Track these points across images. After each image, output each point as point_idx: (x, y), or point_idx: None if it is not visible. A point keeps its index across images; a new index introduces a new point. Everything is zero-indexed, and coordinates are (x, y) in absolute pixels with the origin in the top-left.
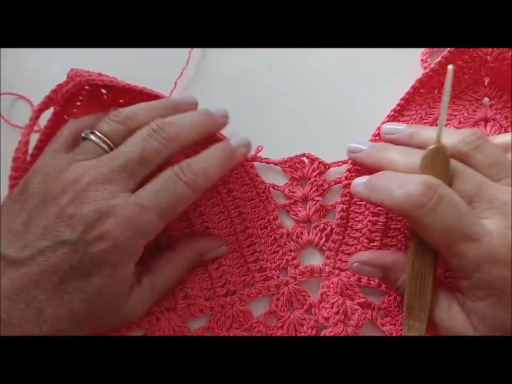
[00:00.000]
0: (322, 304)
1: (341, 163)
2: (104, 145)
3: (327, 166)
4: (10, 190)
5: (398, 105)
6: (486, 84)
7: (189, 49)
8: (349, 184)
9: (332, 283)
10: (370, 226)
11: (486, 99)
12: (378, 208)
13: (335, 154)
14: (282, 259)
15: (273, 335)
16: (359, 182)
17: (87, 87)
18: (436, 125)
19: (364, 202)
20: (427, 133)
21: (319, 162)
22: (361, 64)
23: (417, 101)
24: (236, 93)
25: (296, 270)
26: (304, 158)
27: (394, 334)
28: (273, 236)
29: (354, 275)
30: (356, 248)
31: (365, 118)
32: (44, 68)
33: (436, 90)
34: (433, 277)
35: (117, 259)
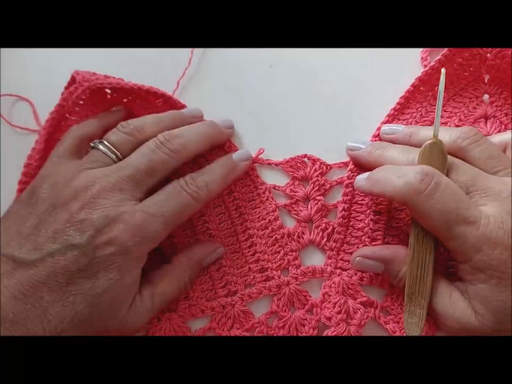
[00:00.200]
0: (324, 304)
1: (342, 164)
2: (112, 155)
3: (328, 167)
4: (18, 194)
5: (398, 103)
6: (486, 81)
7: (189, 49)
8: (351, 183)
9: (333, 283)
10: (372, 225)
11: (486, 96)
12: (380, 206)
13: (336, 155)
14: (284, 259)
15: (274, 335)
16: (361, 178)
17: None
18: None
19: (366, 201)
20: (425, 132)
21: (321, 163)
22: (362, 64)
23: (418, 99)
24: (236, 93)
25: (298, 270)
26: (306, 159)
27: (397, 332)
28: (274, 236)
29: (356, 274)
30: (357, 247)
31: (366, 117)
32: (45, 68)
33: (436, 88)
34: (433, 264)
35: (123, 263)
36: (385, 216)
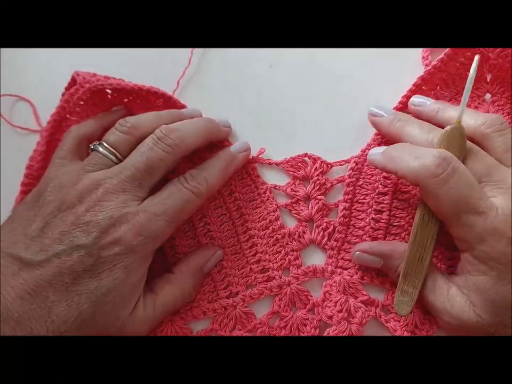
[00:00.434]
0: (325, 303)
1: (344, 162)
2: (111, 156)
3: (329, 166)
4: (21, 196)
5: (400, 102)
6: (488, 80)
7: (189, 49)
8: (352, 182)
9: (334, 282)
10: (372, 224)
11: (488, 95)
12: (381, 205)
13: (337, 155)
14: (285, 259)
15: (276, 335)
16: (376, 152)
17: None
18: None
19: (367, 200)
20: (452, 112)
21: (321, 162)
22: (363, 63)
23: None
24: (236, 93)
25: (299, 270)
26: (306, 158)
27: (398, 330)
28: (275, 236)
29: (357, 273)
30: None
31: (366, 117)
32: (45, 68)
33: (438, 87)
34: (433, 248)
35: (128, 263)
36: (386, 215)
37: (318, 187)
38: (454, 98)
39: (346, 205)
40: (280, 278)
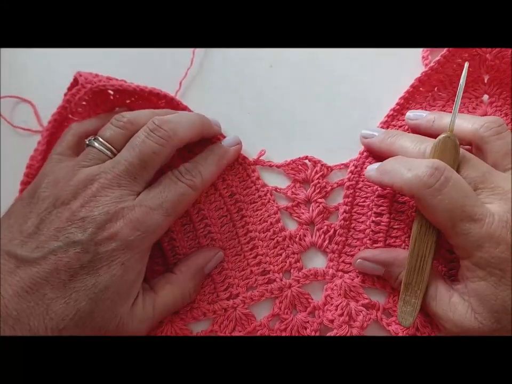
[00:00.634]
0: (326, 306)
1: (343, 166)
2: (107, 151)
3: (329, 169)
4: (20, 195)
5: (398, 104)
6: (485, 81)
7: (190, 49)
8: (352, 185)
9: (335, 285)
10: (373, 227)
11: (485, 96)
12: (381, 208)
13: (336, 155)
14: (286, 262)
15: None
16: (372, 168)
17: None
18: None
19: (367, 203)
20: (447, 120)
21: (322, 165)
22: (363, 63)
23: (417, 100)
24: (236, 93)
25: (300, 272)
26: (307, 161)
27: (400, 334)
28: (275, 239)
29: (358, 276)
30: (359, 249)
31: (366, 117)
32: (45, 68)
33: (436, 89)
34: (432, 257)
35: (125, 259)
36: (386, 218)
37: (318, 190)
38: (452, 99)
39: (347, 208)
40: (281, 280)
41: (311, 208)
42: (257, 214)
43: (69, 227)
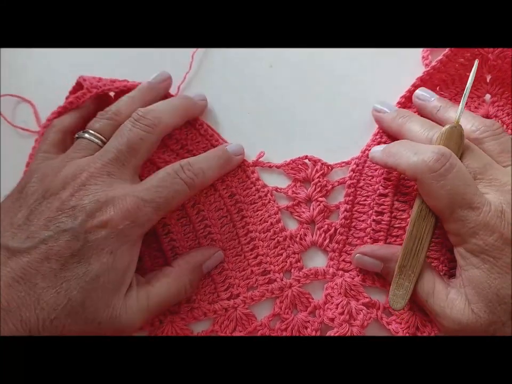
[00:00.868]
0: (327, 305)
1: (344, 164)
2: (97, 141)
3: (330, 167)
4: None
5: (399, 103)
6: (488, 81)
7: (190, 50)
8: (353, 183)
9: (336, 284)
10: (374, 225)
11: (488, 96)
12: (383, 207)
13: (337, 155)
14: (286, 261)
15: None
16: (377, 150)
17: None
18: None
19: (368, 202)
20: (452, 113)
21: (322, 164)
22: (363, 63)
23: None
24: (236, 93)
25: (300, 272)
26: (307, 160)
27: (400, 333)
28: (276, 239)
29: (358, 275)
30: None
31: (366, 117)
32: (45, 68)
33: (438, 88)
34: (429, 242)
35: (115, 247)
36: (387, 217)
37: (319, 189)
38: (454, 98)
39: (347, 207)
40: (282, 280)
41: (311, 207)
42: (257, 215)
43: (59, 216)
